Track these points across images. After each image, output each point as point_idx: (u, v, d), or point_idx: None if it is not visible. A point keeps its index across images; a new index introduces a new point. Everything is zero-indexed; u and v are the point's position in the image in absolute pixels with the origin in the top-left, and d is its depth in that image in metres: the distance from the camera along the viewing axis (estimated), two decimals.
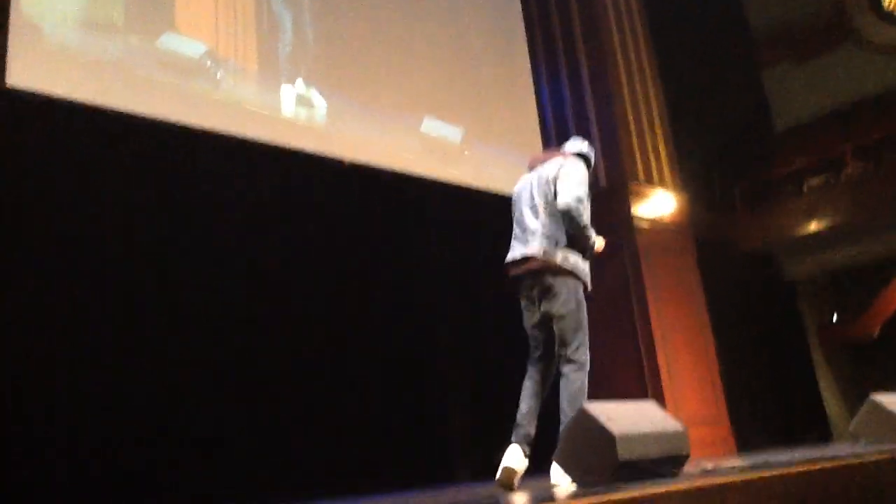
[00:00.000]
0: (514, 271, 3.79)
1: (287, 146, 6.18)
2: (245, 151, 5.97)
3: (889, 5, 13.81)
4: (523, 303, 3.84)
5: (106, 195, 5.31)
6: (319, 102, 6.58)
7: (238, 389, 5.60)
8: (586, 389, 3.62)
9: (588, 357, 3.65)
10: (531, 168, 3.99)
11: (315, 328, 6.22)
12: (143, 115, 5.41)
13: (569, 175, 3.70)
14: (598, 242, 3.80)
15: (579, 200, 3.62)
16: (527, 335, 3.86)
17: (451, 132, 7.63)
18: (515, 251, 3.80)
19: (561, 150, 4.06)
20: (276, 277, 6.11)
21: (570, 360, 3.61)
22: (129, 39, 5.52)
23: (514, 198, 4.00)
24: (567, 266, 3.62)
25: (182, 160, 5.73)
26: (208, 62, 5.88)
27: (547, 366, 3.76)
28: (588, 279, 3.75)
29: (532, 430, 3.61)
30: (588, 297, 3.75)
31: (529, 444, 3.59)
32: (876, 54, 13.55)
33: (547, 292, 3.65)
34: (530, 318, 3.81)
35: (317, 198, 6.48)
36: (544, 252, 3.62)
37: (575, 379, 3.58)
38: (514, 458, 3.52)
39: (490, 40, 8.55)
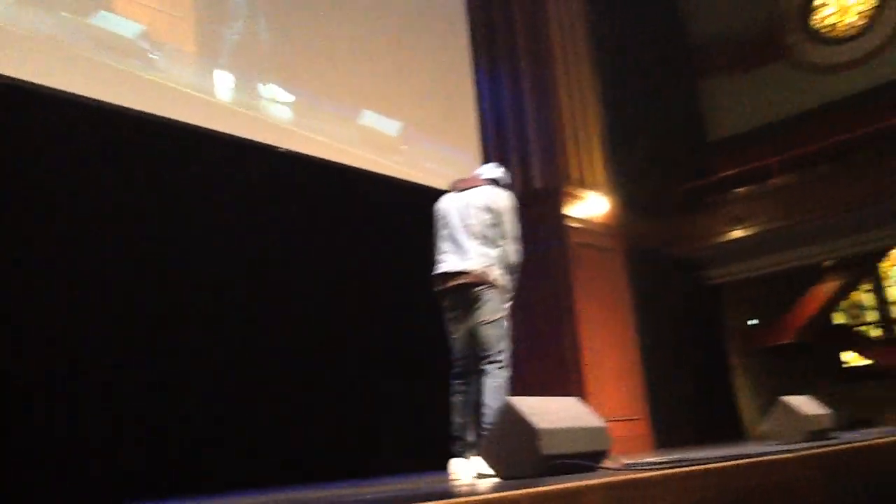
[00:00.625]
0: (446, 283, 3.99)
1: (222, 132, 6.08)
2: (178, 134, 5.84)
3: (818, 25, 14.33)
4: (449, 315, 4.05)
5: (33, 174, 5.13)
6: (258, 89, 6.49)
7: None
8: (508, 387, 3.84)
9: (510, 362, 3.93)
10: (456, 189, 4.22)
11: (232, 314, 6.12)
12: (74, 94, 5.26)
13: (512, 223, 4.05)
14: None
15: (520, 257, 4.04)
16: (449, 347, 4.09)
17: (388, 125, 7.61)
18: (449, 264, 4.00)
19: (481, 176, 4.29)
20: (199, 262, 5.99)
21: (493, 361, 3.86)
22: (61, 16, 5.34)
23: (440, 214, 4.20)
24: (498, 282, 3.94)
25: (113, 141, 5.57)
26: (144, 43, 5.74)
27: (470, 378, 3.96)
28: (511, 297, 4.08)
29: (472, 438, 3.78)
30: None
31: (472, 451, 3.75)
32: (805, 72, 14.05)
33: (476, 302, 3.91)
34: (455, 331, 4.03)
35: (249, 184, 6.39)
36: (482, 270, 3.90)
37: (497, 375, 3.83)
38: (459, 467, 3.72)
39: (431, 35, 8.55)
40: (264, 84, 6.55)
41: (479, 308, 3.90)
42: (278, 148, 6.42)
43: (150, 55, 5.75)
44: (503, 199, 4.07)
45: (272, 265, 6.45)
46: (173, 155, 5.87)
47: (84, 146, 5.40)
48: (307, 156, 6.69)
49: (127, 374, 5.11)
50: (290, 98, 6.73)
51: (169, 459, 5.19)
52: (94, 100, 5.37)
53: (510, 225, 4.03)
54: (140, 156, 5.71)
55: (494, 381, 3.79)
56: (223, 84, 6.23)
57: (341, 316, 6.97)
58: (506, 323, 3.97)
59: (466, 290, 3.92)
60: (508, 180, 4.38)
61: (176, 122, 5.77)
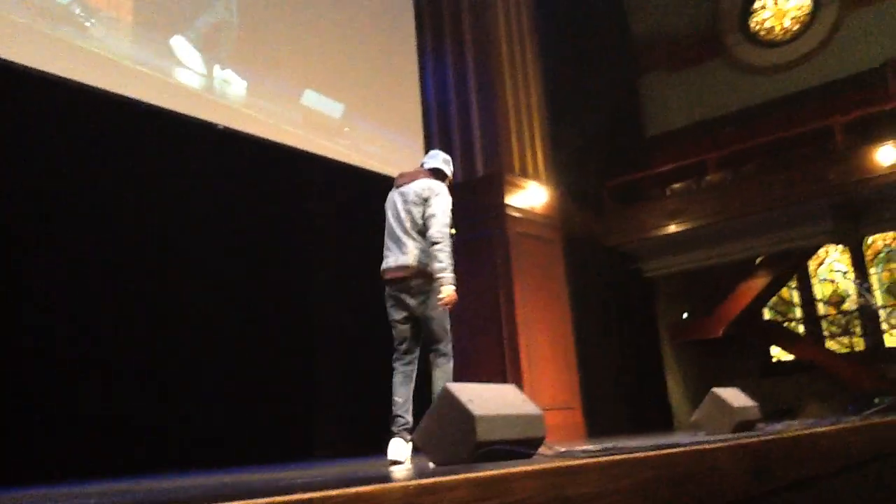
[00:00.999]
0: (389, 276, 4.12)
1: (160, 106, 5.91)
2: (112, 106, 5.66)
3: (756, 27, 14.67)
4: (390, 302, 4.14)
5: None
6: (196, 63, 6.33)
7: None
8: (452, 377, 4.00)
9: (451, 348, 4.06)
10: (398, 186, 4.28)
11: (174, 292, 6.01)
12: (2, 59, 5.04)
13: (437, 205, 4.04)
14: (449, 290, 3.94)
15: (443, 235, 3.98)
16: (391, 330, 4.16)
17: (332, 107, 7.51)
18: (390, 260, 4.12)
19: (423, 167, 4.33)
20: (134, 237, 5.85)
21: (441, 354, 4.03)
22: None
23: (386, 209, 4.29)
24: (437, 275, 3.97)
25: (45, 110, 5.38)
26: (78, 9, 5.53)
27: (413, 358, 4.10)
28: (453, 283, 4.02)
29: (410, 419, 3.88)
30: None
31: (409, 432, 3.81)
32: (742, 72, 14.39)
33: (419, 295, 4.02)
34: (397, 313, 4.11)
35: (186, 160, 6.25)
36: (418, 263, 4.01)
37: (447, 369, 4.00)
38: (398, 449, 3.79)
39: (377, 19, 8.47)
40: (203, 58, 6.39)
41: (423, 302, 4.01)
42: (216, 125, 6.28)
43: (85, 23, 5.55)
44: (436, 187, 4.11)
45: (206, 242, 6.32)
46: (107, 126, 5.70)
47: (14, 114, 5.20)
48: (246, 133, 6.55)
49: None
50: (230, 74, 6.59)
51: (107, 441, 5.06)
52: (24, 66, 5.15)
53: (435, 207, 4.02)
54: (74, 126, 5.53)
55: (445, 375, 3.95)
56: (160, 56, 6.04)
57: (280, 296, 6.89)
58: (447, 314, 4.05)
59: (407, 284, 4.02)
60: (449, 168, 4.36)
61: (110, 93, 5.58)
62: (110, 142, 5.71)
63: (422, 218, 4.06)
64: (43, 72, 5.21)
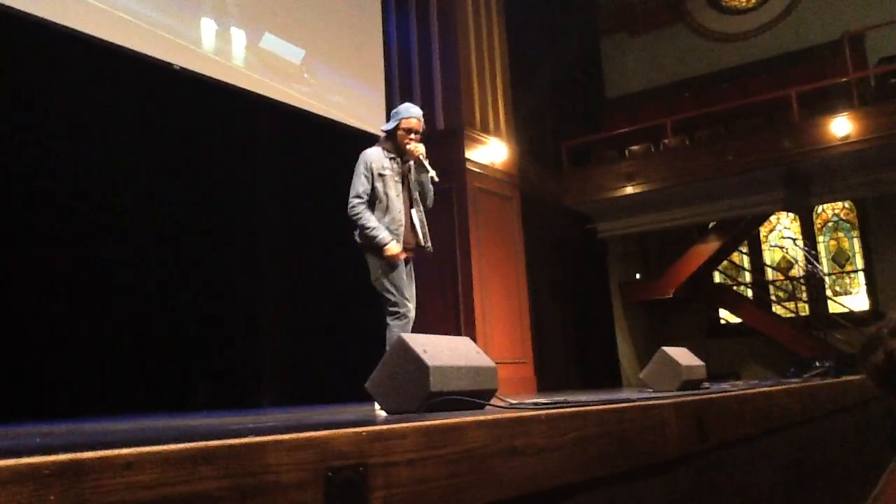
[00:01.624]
0: None
1: (114, 42, 5.71)
2: (72, 45, 5.46)
3: None
4: None
5: None
6: (155, 2, 6.11)
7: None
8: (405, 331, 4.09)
9: (402, 308, 4.18)
10: None
11: (125, 239, 5.90)
12: None
13: (353, 180, 4.25)
14: (391, 248, 4.14)
15: (352, 206, 4.19)
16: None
17: (291, 52, 7.35)
18: None
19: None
20: (89, 181, 5.70)
21: (388, 314, 4.19)
22: None
23: None
24: (365, 245, 4.21)
25: (10, 49, 5.17)
26: None
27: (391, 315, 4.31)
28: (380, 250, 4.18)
29: None
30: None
31: None
32: (703, 39, 14.45)
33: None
34: None
35: (143, 101, 6.08)
36: (356, 238, 4.25)
37: (393, 325, 4.14)
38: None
39: None
40: None
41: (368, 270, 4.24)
42: (173, 65, 6.10)
43: None
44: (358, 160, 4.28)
45: (154, 185, 6.20)
46: (59, 62, 5.50)
47: None
48: (204, 75, 6.39)
49: None
50: (189, 13, 6.39)
51: (55, 383, 5.00)
52: None
53: (353, 183, 4.22)
54: (34, 63, 5.34)
55: (391, 333, 4.08)
56: None
57: (229, 242, 6.81)
58: (385, 278, 4.17)
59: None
60: (391, 122, 4.33)
61: (63, 27, 5.38)
62: (61, 77, 5.52)
63: None
64: (11, 8, 5.00)
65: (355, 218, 4.17)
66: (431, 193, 4.43)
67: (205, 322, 6.36)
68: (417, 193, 4.38)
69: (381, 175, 4.20)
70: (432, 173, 4.25)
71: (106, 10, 5.70)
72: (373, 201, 4.21)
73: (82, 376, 5.33)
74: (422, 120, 4.35)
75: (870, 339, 1.60)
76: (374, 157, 4.25)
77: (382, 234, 4.13)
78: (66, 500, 0.93)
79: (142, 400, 5.52)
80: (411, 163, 4.34)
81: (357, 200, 4.17)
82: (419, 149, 4.25)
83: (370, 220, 4.15)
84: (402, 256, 4.20)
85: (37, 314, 5.18)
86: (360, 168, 4.22)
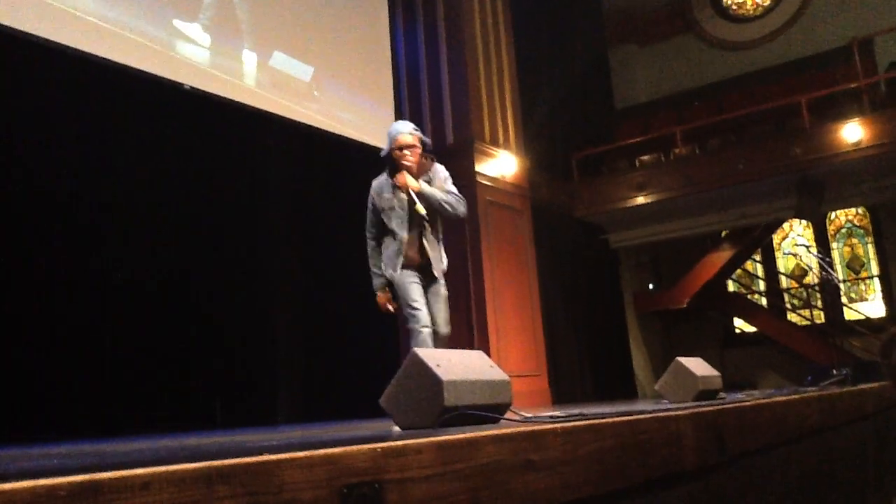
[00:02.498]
0: None
1: (125, 63, 5.77)
2: (77, 64, 5.52)
3: (727, 2, 14.71)
4: None
5: None
6: (165, 23, 6.18)
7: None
8: (419, 341, 4.07)
9: (412, 321, 4.15)
10: None
11: (136, 255, 5.93)
12: None
13: None
14: (378, 298, 4.33)
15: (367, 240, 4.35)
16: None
17: (301, 70, 7.40)
18: None
19: None
20: (95, 197, 5.74)
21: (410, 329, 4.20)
22: None
23: None
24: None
25: (13, 69, 5.23)
26: None
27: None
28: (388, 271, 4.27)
29: None
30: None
31: None
32: (711, 47, 14.45)
33: None
34: None
35: (155, 121, 6.13)
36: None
37: (414, 336, 4.11)
38: None
39: None
40: (170, 16, 6.24)
41: None
42: (183, 85, 6.16)
43: None
44: None
45: (168, 205, 6.24)
46: (69, 83, 5.56)
47: None
48: (215, 95, 6.44)
49: None
50: (199, 33, 6.45)
51: (73, 404, 5.02)
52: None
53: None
54: (46, 87, 5.40)
55: (412, 340, 4.09)
56: (127, 13, 5.89)
57: (243, 261, 6.83)
58: (400, 290, 4.20)
59: None
60: (386, 149, 4.25)
61: (72, 49, 5.44)
62: (70, 98, 5.58)
63: None
64: (15, 29, 5.06)
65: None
66: (448, 208, 4.21)
67: (220, 340, 6.38)
68: (426, 214, 4.12)
69: (383, 208, 4.23)
70: (419, 207, 4.07)
71: (118, 32, 5.77)
72: (382, 232, 4.27)
73: (98, 396, 5.35)
74: (415, 132, 4.24)
75: (889, 340, 1.59)
76: (376, 188, 4.29)
77: (375, 282, 4.32)
78: None
79: (157, 418, 5.53)
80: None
81: (368, 237, 4.34)
82: (410, 182, 4.12)
83: (372, 261, 4.32)
84: (386, 309, 4.33)
85: (54, 334, 5.21)
86: (368, 202, 4.32)
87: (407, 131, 4.22)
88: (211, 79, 6.45)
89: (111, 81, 5.75)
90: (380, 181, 4.29)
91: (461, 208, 4.28)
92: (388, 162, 4.24)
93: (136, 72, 5.83)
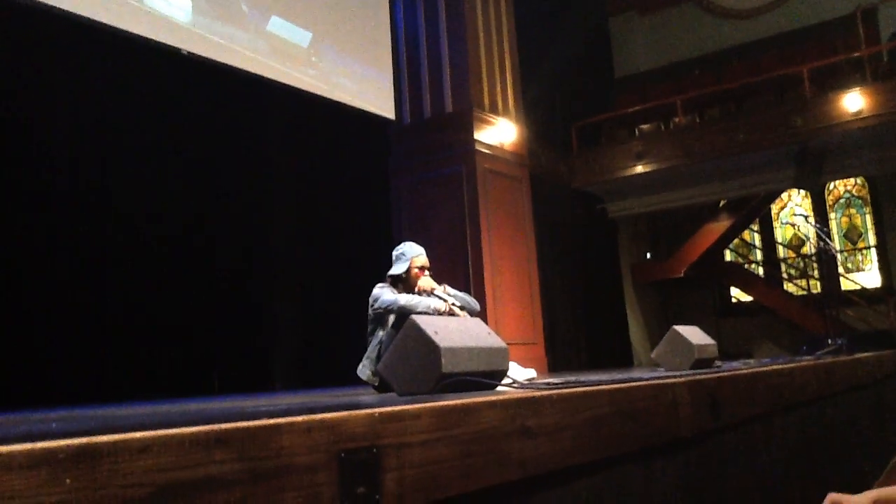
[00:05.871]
0: None
1: (121, 28, 5.70)
2: (80, 31, 5.46)
3: None
4: None
5: None
6: None
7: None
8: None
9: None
10: None
11: (135, 223, 5.92)
12: None
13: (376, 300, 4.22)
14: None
15: (383, 304, 4.13)
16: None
17: (298, 35, 7.32)
18: None
19: None
20: (96, 164, 5.72)
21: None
22: None
23: None
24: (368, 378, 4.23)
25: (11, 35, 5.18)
26: None
27: None
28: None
29: None
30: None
31: None
32: (713, 16, 14.30)
33: None
34: None
35: (152, 86, 6.08)
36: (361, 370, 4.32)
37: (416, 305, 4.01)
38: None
39: None
40: None
41: None
42: (181, 50, 6.10)
43: None
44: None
45: (164, 170, 6.21)
46: (73, 50, 5.50)
47: None
48: (212, 60, 6.37)
49: None
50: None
51: (71, 370, 5.04)
52: None
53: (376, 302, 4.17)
54: (43, 50, 5.35)
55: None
56: None
57: (239, 227, 6.82)
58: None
59: None
60: (401, 268, 4.29)
61: (66, 12, 5.37)
62: (67, 64, 5.52)
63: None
64: None
65: (389, 306, 4.07)
66: (471, 301, 4.30)
67: (218, 307, 6.39)
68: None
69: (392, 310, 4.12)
70: (451, 302, 4.10)
71: None
72: (380, 324, 4.23)
73: (98, 363, 5.37)
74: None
75: None
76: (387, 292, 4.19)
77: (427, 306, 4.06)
78: (82, 484, 0.94)
79: (157, 385, 5.56)
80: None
81: (387, 301, 4.10)
82: (434, 284, 4.20)
83: (397, 297, 4.10)
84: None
85: (54, 301, 5.22)
86: (385, 291, 4.17)
87: (423, 253, 4.34)
88: (208, 44, 6.38)
89: (107, 45, 5.69)
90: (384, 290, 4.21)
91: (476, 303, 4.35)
92: (402, 280, 4.26)
93: (133, 36, 5.76)
